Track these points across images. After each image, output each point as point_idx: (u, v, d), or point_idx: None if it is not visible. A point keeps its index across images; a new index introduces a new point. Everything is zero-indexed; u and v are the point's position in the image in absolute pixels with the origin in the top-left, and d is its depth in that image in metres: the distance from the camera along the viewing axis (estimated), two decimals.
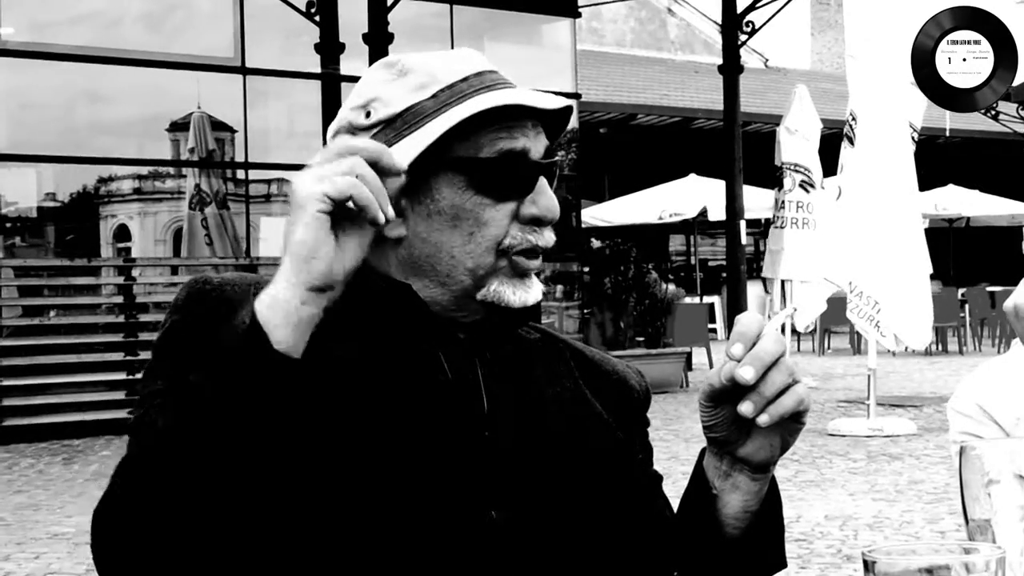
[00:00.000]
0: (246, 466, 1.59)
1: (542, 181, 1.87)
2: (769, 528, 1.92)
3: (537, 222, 1.86)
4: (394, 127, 1.85)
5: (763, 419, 1.73)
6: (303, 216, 1.58)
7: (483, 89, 1.85)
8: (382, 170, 1.64)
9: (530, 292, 1.88)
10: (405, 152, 1.81)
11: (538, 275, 1.91)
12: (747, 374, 1.70)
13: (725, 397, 1.76)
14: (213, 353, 1.61)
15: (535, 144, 1.87)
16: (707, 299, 25.58)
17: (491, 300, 1.85)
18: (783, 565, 1.96)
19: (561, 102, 1.88)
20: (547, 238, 1.88)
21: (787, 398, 1.73)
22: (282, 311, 1.59)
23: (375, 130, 1.86)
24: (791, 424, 1.77)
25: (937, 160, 23.77)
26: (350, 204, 1.59)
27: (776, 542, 1.94)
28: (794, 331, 17.36)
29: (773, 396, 1.72)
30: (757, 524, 1.89)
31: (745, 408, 1.72)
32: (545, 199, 1.87)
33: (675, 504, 1.98)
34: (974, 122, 27.68)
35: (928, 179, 12.62)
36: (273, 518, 1.67)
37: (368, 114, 1.88)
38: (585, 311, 17.44)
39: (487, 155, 1.84)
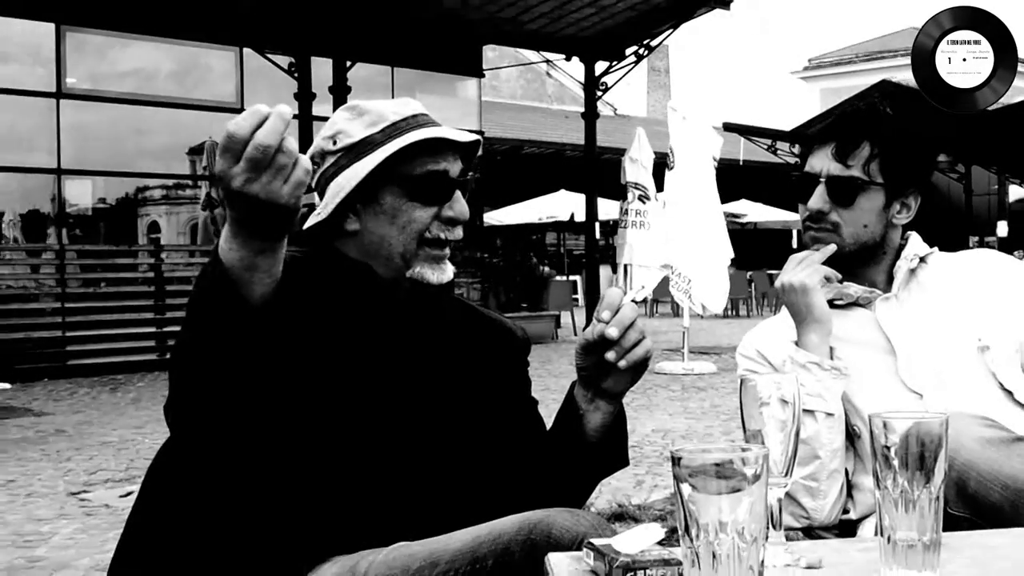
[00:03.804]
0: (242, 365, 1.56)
1: (457, 192, 1.90)
2: (618, 437, 1.96)
3: (452, 222, 1.89)
4: (353, 152, 1.87)
5: (622, 364, 1.79)
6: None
7: (417, 127, 1.87)
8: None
9: (444, 273, 1.90)
10: (362, 169, 1.84)
11: (452, 260, 1.94)
12: (613, 332, 1.76)
13: (595, 348, 1.81)
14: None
15: (453, 166, 1.89)
16: (572, 277, 25.64)
17: (417, 278, 1.88)
18: (627, 462, 2.01)
19: (471, 137, 1.91)
20: (456, 234, 1.90)
21: (639, 349, 1.79)
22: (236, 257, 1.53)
23: (339, 154, 1.88)
24: (640, 366, 1.83)
25: (735, 181, 23.96)
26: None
27: (622, 446, 1.98)
28: (633, 300, 17.41)
29: (629, 347, 1.78)
30: (610, 434, 1.94)
31: (610, 355, 1.78)
32: (459, 205, 1.89)
33: (547, 421, 2.01)
34: (759, 155, 27.95)
35: (728, 194, 12.72)
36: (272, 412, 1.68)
37: (335, 142, 1.90)
38: (486, 284, 17.43)
39: (418, 173, 1.86)
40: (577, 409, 1.91)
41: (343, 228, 1.88)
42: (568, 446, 1.92)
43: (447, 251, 1.91)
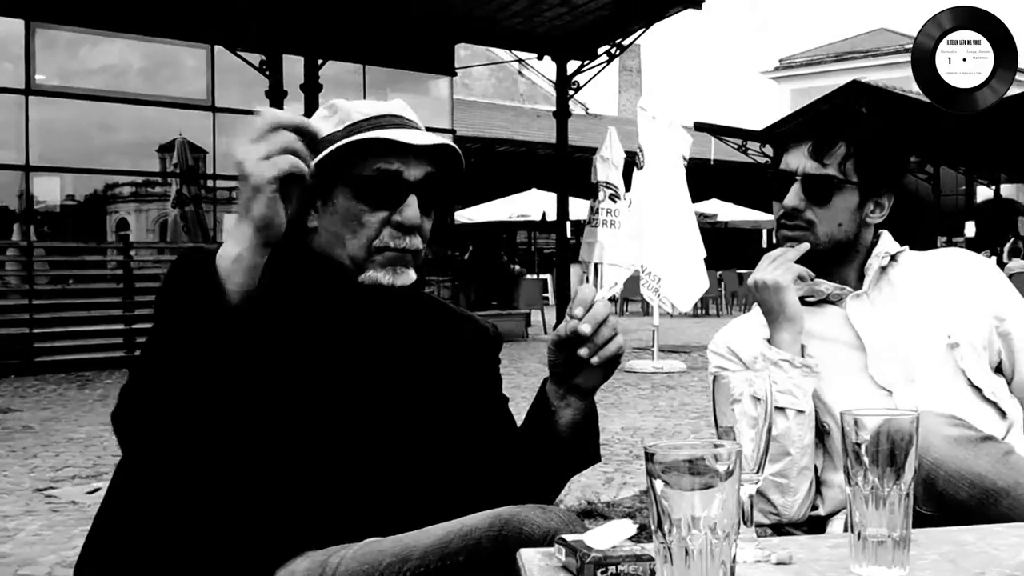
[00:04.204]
0: (209, 370, 1.52)
1: (412, 197, 1.83)
2: (589, 433, 1.96)
3: (401, 227, 1.83)
4: (316, 149, 1.86)
5: (594, 360, 1.78)
6: (261, 197, 1.51)
7: (376, 127, 1.83)
8: (304, 133, 1.55)
9: (400, 277, 1.84)
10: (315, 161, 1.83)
11: (419, 268, 1.88)
12: (586, 328, 1.76)
13: (567, 344, 1.80)
14: (186, 298, 1.53)
15: (411, 169, 1.83)
16: (542, 276, 25.64)
17: (369, 283, 1.84)
18: (598, 458, 2.00)
19: (424, 139, 1.83)
20: (411, 243, 1.84)
21: (611, 345, 1.79)
22: (245, 265, 1.53)
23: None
24: (612, 362, 1.82)
25: (705, 180, 24.06)
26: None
27: (594, 442, 1.98)
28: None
29: (602, 343, 1.78)
30: (581, 431, 1.93)
31: (583, 352, 1.77)
32: (410, 211, 1.82)
33: (517, 420, 2.00)
34: (730, 154, 28.06)
35: (699, 194, 12.70)
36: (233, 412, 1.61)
37: None
38: (456, 283, 17.41)
39: (367, 173, 1.82)
40: (549, 406, 1.91)
41: (306, 224, 1.87)
42: (540, 442, 1.91)
43: (407, 256, 1.84)
